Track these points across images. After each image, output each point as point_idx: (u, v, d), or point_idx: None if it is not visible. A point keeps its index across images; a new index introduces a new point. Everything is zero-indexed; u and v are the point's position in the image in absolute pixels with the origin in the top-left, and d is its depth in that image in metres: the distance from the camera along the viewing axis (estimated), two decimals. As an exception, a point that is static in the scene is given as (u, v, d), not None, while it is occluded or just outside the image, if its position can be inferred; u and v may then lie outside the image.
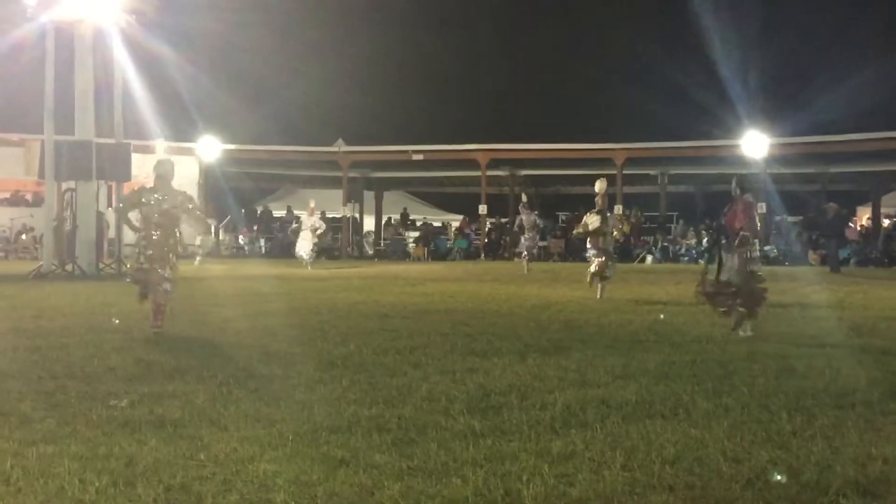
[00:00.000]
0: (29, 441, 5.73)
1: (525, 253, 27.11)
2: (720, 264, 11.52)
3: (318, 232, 29.15)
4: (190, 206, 11.47)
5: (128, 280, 12.34)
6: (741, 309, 11.26)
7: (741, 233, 11.26)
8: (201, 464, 5.28)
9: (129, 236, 17.43)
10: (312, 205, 29.86)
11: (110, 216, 26.62)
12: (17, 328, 11.26)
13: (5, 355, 9.05)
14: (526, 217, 27.21)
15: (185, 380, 7.76)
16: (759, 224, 11.55)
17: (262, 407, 6.72)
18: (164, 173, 11.38)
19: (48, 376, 7.90)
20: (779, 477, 5.12)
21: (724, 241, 11.58)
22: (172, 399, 6.98)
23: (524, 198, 28.81)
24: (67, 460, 5.30)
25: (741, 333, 11.02)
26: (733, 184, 11.65)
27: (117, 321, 11.71)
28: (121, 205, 12.34)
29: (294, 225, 36.96)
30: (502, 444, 5.72)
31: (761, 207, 35.21)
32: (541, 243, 39.00)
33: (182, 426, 6.12)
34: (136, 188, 12.49)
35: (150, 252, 11.11)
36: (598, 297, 15.72)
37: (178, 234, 11.44)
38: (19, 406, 6.71)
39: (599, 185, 16.40)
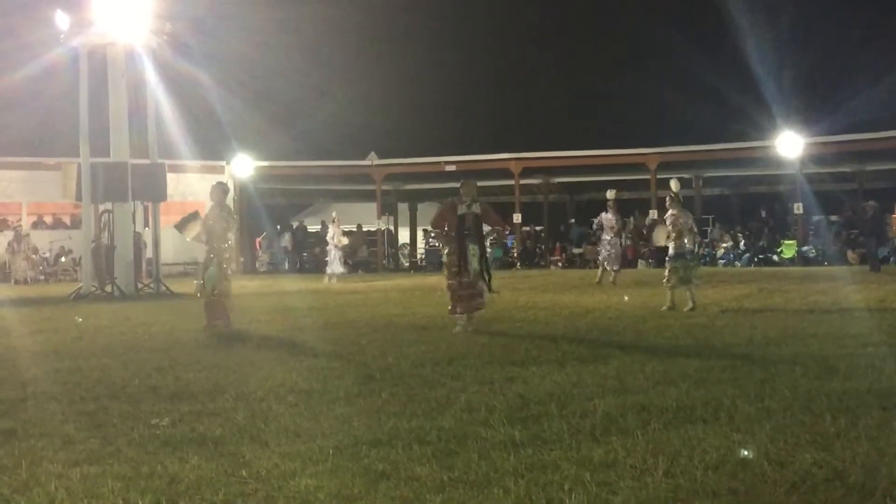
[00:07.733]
0: (72, 462, 5.78)
1: (605, 259, 24.12)
2: (466, 257, 12.77)
3: (336, 242, 28.21)
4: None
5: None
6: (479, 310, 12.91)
7: (496, 227, 13.72)
8: (243, 480, 5.30)
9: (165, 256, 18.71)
10: (334, 215, 29.50)
11: (147, 236, 26.88)
12: (58, 350, 11.38)
13: (48, 377, 9.15)
14: (612, 216, 23.91)
15: (224, 397, 7.79)
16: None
17: (303, 422, 6.74)
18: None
19: (90, 397, 7.98)
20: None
21: (471, 234, 12.84)
22: (213, 417, 7.02)
23: (611, 194, 24.50)
24: (111, 480, 5.34)
25: (468, 329, 12.46)
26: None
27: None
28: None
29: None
30: (543, 454, 5.69)
31: (798, 208, 35.04)
32: (576, 250, 39.07)
33: (223, 443, 6.15)
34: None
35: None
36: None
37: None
38: (62, 427, 6.77)
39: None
